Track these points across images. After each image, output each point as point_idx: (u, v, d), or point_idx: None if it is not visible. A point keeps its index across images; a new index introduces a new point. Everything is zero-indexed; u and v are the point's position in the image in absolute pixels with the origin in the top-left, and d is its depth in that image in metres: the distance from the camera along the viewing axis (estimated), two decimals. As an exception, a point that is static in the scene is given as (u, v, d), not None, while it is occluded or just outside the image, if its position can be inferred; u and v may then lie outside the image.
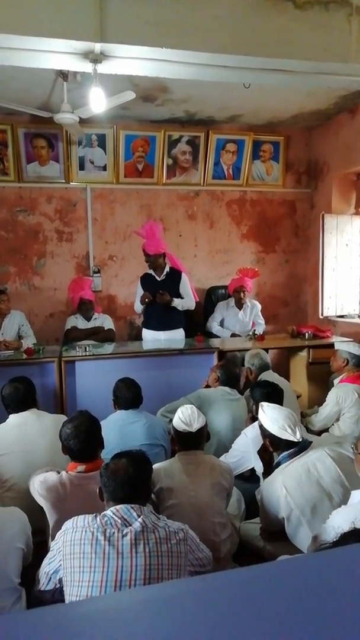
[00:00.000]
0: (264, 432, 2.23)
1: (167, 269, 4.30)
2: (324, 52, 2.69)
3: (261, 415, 2.25)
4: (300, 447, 2.16)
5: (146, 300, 4.17)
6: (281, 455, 2.18)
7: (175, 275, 4.32)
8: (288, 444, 2.16)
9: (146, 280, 4.35)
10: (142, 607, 0.70)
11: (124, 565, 1.44)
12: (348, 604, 0.69)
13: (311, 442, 2.21)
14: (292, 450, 2.16)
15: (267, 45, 2.61)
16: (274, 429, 2.16)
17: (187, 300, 4.32)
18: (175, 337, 4.32)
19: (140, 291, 4.35)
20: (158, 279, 4.28)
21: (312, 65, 2.74)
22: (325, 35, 2.68)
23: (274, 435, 2.17)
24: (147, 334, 4.40)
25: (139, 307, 4.39)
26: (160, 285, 4.24)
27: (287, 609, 0.68)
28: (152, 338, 4.33)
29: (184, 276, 4.36)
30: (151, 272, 4.33)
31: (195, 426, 2.14)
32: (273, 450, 2.23)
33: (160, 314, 4.21)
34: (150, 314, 4.30)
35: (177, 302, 4.23)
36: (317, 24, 2.66)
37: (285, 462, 2.14)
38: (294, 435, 2.14)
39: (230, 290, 4.89)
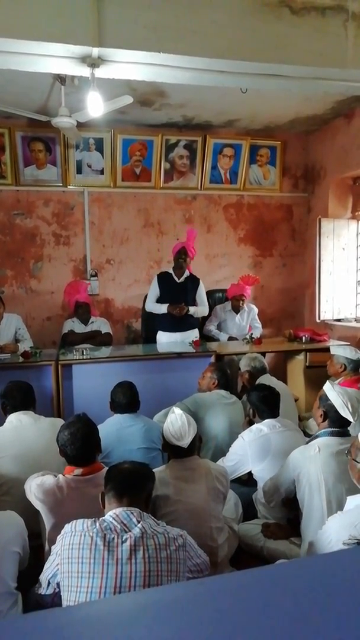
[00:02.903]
0: (324, 401, 2.27)
1: (186, 273, 4.35)
2: (321, 57, 2.71)
3: (328, 388, 2.30)
4: (344, 432, 2.22)
5: (176, 311, 4.18)
6: (322, 431, 2.25)
7: (194, 281, 4.39)
8: (337, 422, 2.21)
9: (165, 280, 4.35)
10: (140, 611, 0.70)
11: (123, 572, 1.42)
12: (345, 607, 0.69)
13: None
14: (336, 429, 2.22)
15: (264, 50, 2.63)
16: (337, 401, 2.21)
17: (202, 308, 4.40)
18: (191, 338, 4.29)
19: (155, 289, 4.35)
20: (178, 280, 4.32)
21: (309, 70, 2.76)
22: (321, 40, 2.70)
23: (333, 407, 2.22)
24: (162, 336, 4.38)
25: (152, 307, 4.36)
26: (180, 287, 4.29)
27: (285, 613, 0.68)
28: (167, 340, 4.33)
29: (201, 283, 4.43)
30: (170, 271, 4.35)
31: (187, 441, 2.08)
32: (322, 421, 2.28)
33: (175, 315, 4.22)
34: (165, 316, 4.29)
35: (192, 311, 4.29)
36: (314, 30, 2.68)
37: (323, 437, 2.21)
38: (352, 416, 2.19)
39: (229, 295, 4.88)
